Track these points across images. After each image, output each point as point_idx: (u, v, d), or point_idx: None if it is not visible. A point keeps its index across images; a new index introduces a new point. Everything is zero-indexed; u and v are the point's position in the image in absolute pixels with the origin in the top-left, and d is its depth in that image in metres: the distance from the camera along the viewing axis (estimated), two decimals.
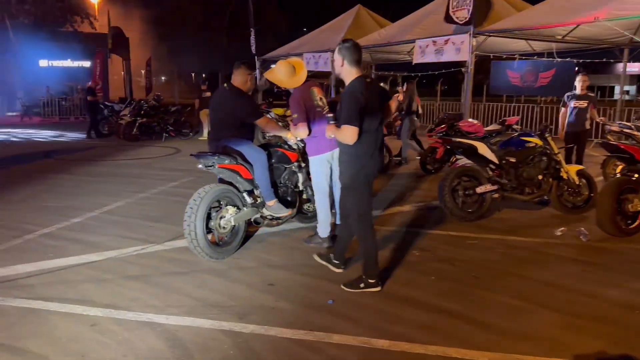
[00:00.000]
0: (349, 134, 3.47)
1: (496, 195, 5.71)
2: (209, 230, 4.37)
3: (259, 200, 4.78)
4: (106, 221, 5.65)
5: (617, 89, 45.51)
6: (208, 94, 13.37)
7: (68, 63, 27.81)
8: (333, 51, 13.88)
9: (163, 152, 11.42)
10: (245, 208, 4.65)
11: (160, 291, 3.77)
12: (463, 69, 11.78)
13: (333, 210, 4.91)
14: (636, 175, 5.54)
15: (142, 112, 13.68)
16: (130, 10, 32.70)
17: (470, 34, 9.72)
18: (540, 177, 5.84)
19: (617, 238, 5.02)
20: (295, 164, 5.11)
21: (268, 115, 5.34)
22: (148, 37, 33.03)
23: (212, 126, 4.92)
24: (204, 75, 38.48)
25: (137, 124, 13.43)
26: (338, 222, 5.02)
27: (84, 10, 27.41)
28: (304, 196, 5.29)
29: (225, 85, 4.82)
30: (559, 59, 11.81)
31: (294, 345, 3.01)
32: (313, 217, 5.21)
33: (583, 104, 7.50)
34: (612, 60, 13.68)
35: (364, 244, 3.79)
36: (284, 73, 4.61)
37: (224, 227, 4.51)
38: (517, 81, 17.15)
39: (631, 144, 6.35)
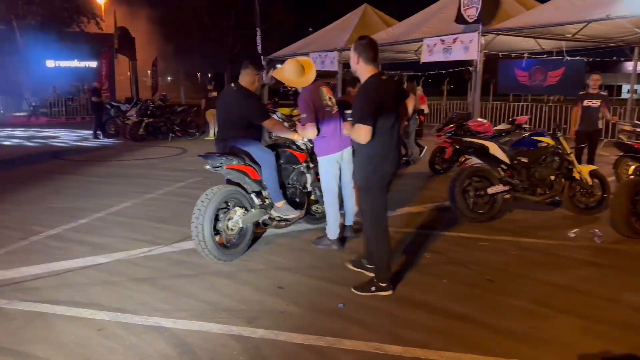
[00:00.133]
0: (362, 132, 3.41)
1: (508, 196, 5.61)
2: (216, 231, 4.31)
3: (267, 201, 4.71)
4: (113, 222, 5.61)
5: (624, 88, 45.18)
6: (214, 94, 13.35)
7: (75, 63, 28.03)
8: (340, 50, 13.99)
9: (169, 153, 11.38)
10: (253, 209, 4.58)
11: (168, 294, 3.71)
12: (471, 68, 11.67)
13: (342, 212, 4.83)
14: None
15: (149, 112, 13.67)
16: (136, 11, 32.86)
17: (479, 33, 9.62)
18: (552, 177, 5.73)
19: (632, 240, 4.92)
20: (304, 164, 5.04)
21: (274, 117, 5.28)
22: (154, 37, 33.18)
23: (220, 126, 4.85)
24: (209, 75, 38.52)
25: (143, 124, 13.42)
26: (347, 223, 4.95)
27: (90, 11, 27.59)
28: (312, 197, 5.21)
29: (232, 85, 4.74)
30: (568, 58, 11.68)
31: (304, 351, 2.93)
32: (321, 218, 5.14)
33: (596, 103, 7.42)
34: (622, 59, 13.50)
35: (376, 246, 3.71)
36: (293, 72, 4.53)
37: (231, 229, 4.44)
38: (525, 80, 17.02)
39: None
